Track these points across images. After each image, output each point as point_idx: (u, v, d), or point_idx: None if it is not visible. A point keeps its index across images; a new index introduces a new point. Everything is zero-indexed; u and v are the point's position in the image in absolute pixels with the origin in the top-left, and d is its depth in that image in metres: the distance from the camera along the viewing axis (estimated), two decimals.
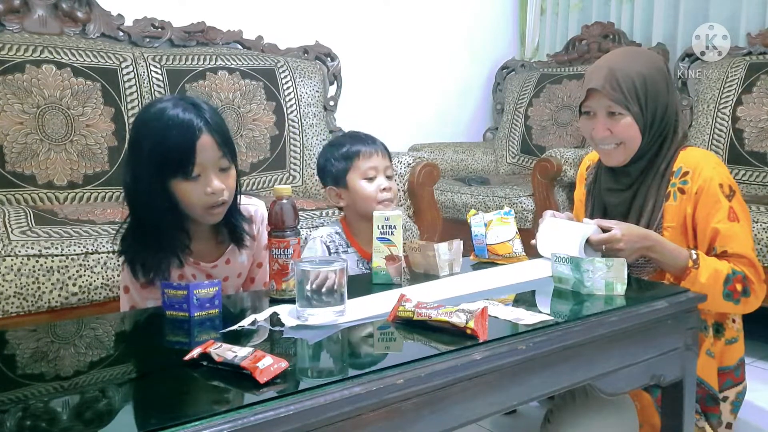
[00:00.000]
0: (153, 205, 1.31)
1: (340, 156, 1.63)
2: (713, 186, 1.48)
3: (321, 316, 1.14)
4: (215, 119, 1.32)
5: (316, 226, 1.99)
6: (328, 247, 1.62)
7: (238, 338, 1.08)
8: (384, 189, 1.61)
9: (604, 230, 1.45)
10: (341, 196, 1.65)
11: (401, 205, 2.41)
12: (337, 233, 1.66)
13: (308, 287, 1.14)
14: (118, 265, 1.74)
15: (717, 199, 1.48)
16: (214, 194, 1.31)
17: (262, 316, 1.15)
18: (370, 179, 1.61)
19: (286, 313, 1.16)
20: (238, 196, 1.41)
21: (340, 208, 1.71)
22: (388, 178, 1.64)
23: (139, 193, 1.32)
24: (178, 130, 1.27)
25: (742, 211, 1.50)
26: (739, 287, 1.45)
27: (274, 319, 1.14)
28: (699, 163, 1.51)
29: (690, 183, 1.51)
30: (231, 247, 1.46)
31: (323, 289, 1.14)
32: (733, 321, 1.56)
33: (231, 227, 1.43)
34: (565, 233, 1.48)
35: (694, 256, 1.45)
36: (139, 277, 1.34)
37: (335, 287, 1.15)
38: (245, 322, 1.13)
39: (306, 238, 1.81)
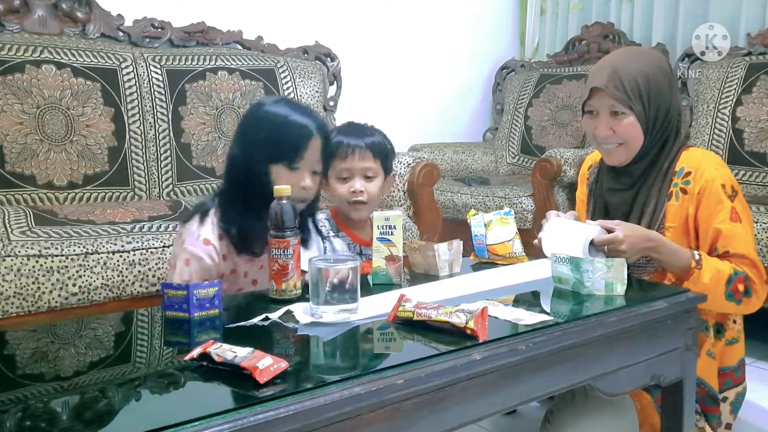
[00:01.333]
0: (252, 181, 1.44)
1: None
2: (716, 186, 1.48)
3: (334, 313, 1.16)
4: (326, 129, 1.52)
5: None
6: (320, 231, 1.63)
7: (246, 335, 1.08)
8: (354, 191, 1.61)
9: (607, 231, 1.45)
10: (326, 188, 1.67)
11: (401, 206, 2.41)
12: (327, 219, 1.69)
13: (322, 285, 1.15)
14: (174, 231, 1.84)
15: (719, 199, 1.48)
16: (305, 190, 1.46)
17: (275, 314, 1.17)
18: (344, 180, 1.62)
19: (301, 311, 1.18)
20: (317, 203, 1.58)
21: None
22: (368, 179, 1.63)
23: (244, 169, 1.47)
24: (299, 126, 1.46)
25: (744, 212, 1.50)
26: (741, 288, 1.45)
27: (288, 316, 1.16)
28: (701, 164, 1.51)
29: (692, 183, 1.51)
30: None
31: (337, 287, 1.16)
32: (734, 322, 1.56)
33: (302, 227, 1.51)
34: (568, 234, 1.47)
35: (697, 257, 1.45)
36: (238, 249, 1.46)
37: (348, 285, 1.16)
38: (257, 319, 1.15)
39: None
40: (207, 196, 1.58)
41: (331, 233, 1.67)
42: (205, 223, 1.47)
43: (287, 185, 1.35)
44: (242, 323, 1.14)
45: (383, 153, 1.66)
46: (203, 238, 1.45)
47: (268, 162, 1.45)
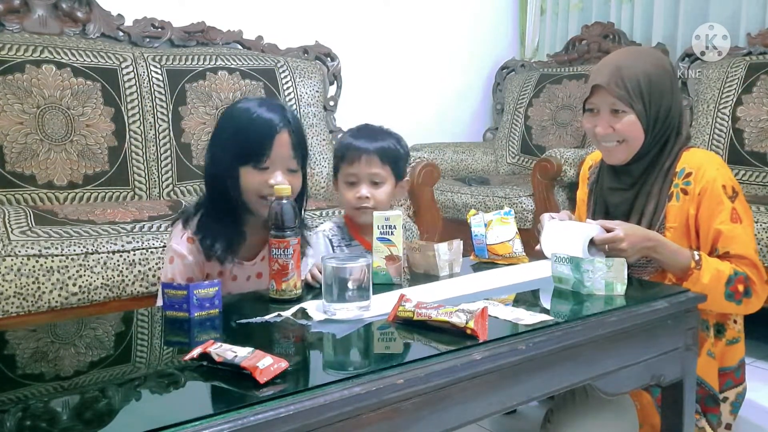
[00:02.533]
0: (223, 187, 1.40)
1: (336, 153, 1.64)
2: (716, 187, 1.48)
3: (347, 311, 1.17)
4: (296, 123, 1.44)
5: (316, 226, 1.99)
6: (330, 240, 1.62)
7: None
8: (360, 198, 1.58)
9: (607, 230, 1.45)
10: (337, 191, 1.67)
11: (401, 206, 2.41)
12: (338, 227, 1.66)
13: (335, 283, 1.17)
14: (168, 230, 1.81)
15: (720, 200, 1.48)
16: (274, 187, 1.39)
17: (288, 312, 1.18)
18: (351, 185, 1.60)
19: (314, 308, 1.19)
20: (304, 202, 1.52)
21: None
22: (375, 184, 1.59)
23: (213, 175, 1.44)
24: (261, 122, 1.39)
25: (745, 213, 1.50)
26: (740, 288, 1.45)
27: (301, 314, 1.17)
28: (702, 164, 1.51)
29: (693, 184, 1.51)
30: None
31: (349, 285, 1.17)
32: (735, 321, 1.56)
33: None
34: (568, 234, 1.48)
35: (697, 257, 1.45)
36: (209, 255, 1.43)
37: (361, 283, 1.17)
38: (271, 316, 1.16)
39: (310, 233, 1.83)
40: (195, 199, 1.54)
41: (343, 243, 1.64)
42: (190, 223, 1.46)
43: (279, 182, 1.36)
44: (256, 319, 1.16)
45: (393, 158, 1.61)
46: (187, 236, 1.44)
47: (237, 164, 1.40)
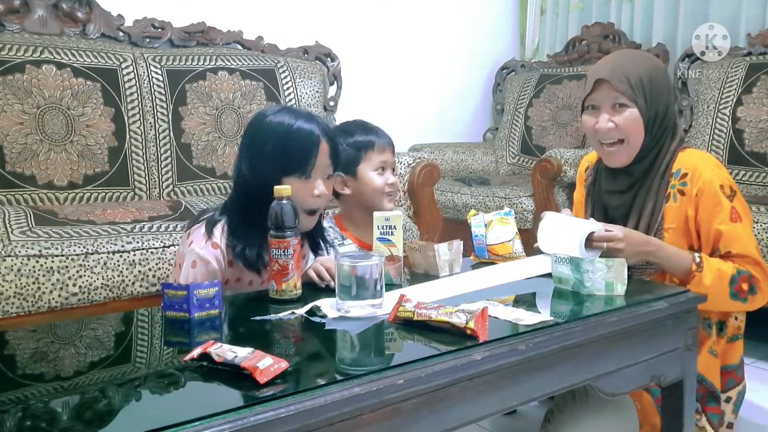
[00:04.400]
0: (263, 197, 1.36)
1: (354, 144, 1.66)
2: (714, 188, 1.48)
3: (361, 308, 1.18)
4: (331, 131, 1.48)
5: None
6: (325, 239, 1.62)
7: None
8: (393, 184, 1.68)
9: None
10: (347, 184, 1.67)
11: (401, 206, 2.41)
12: (330, 227, 1.69)
13: (348, 281, 1.18)
14: (181, 233, 1.83)
15: (718, 200, 1.48)
16: (320, 197, 1.44)
17: (302, 309, 1.19)
18: (381, 172, 1.66)
19: (328, 306, 1.21)
20: (322, 219, 1.56)
21: (336, 196, 1.71)
22: (393, 172, 1.69)
23: (254, 185, 1.42)
24: (304, 134, 1.42)
25: (744, 211, 1.50)
26: (745, 286, 1.45)
27: (315, 311, 1.19)
28: (698, 165, 1.51)
29: (689, 185, 1.51)
30: None
31: (363, 283, 1.18)
32: (735, 318, 1.56)
33: (313, 236, 1.53)
34: (565, 230, 1.47)
35: (698, 259, 1.45)
36: (244, 265, 1.42)
37: (375, 281, 1.19)
38: (284, 314, 1.18)
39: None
40: (214, 206, 1.54)
41: (336, 241, 1.66)
42: (216, 228, 1.45)
43: (322, 192, 1.42)
44: (271, 316, 1.18)
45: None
46: (213, 241, 1.42)
47: (280, 175, 1.41)
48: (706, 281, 1.43)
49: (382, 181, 1.66)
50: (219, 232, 1.44)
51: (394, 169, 1.71)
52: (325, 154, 1.44)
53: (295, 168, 1.41)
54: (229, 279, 1.46)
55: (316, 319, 1.17)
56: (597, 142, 1.58)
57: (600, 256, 1.41)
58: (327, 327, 1.15)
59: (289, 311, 1.20)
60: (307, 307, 1.20)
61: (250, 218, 1.43)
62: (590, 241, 1.43)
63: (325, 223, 1.67)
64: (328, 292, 1.32)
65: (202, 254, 1.41)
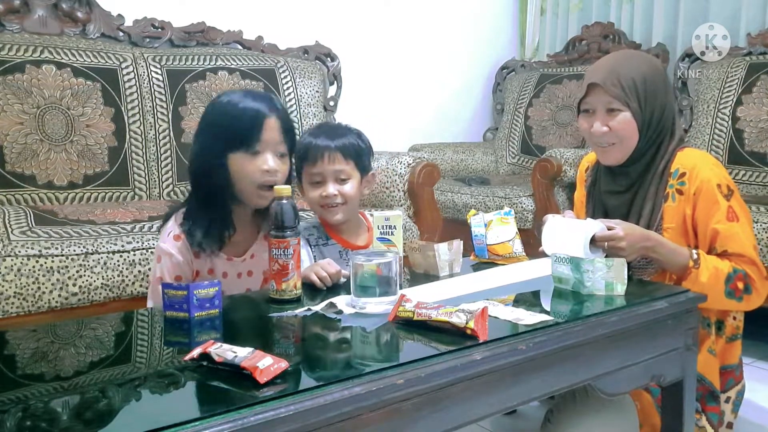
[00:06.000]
0: (212, 177, 1.41)
1: (297, 154, 1.58)
2: (711, 187, 1.49)
3: (376, 305, 1.19)
4: (283, 110, 1.48)
5: None
6: (308, 240, 1.59)
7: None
8: (327, 196, 1.54)
9: (608, 229, 1.46)
10: (302, 194, 1.63)
11: (401, 206, 2.41)
12: (314, 227, 1.63)
13: (363, 278, 1.20)
14: (157, 231, 1.85)
15: (715, 199, 1.48)
16: (269, 173, 1.41)
17: (318, 306, 1.21)
18: (317, 184, 1.56)
19: (343, 303, 1.22)
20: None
21: None
22: (342, 181, 1.56)
23: (201, 165, 1.45)
24: (250, 109, 1.42)
25: (742, 210, 1.51)
26: (740, 285, 1.46)
27: (330, 308, 1.20)
28: (696, 165, 1.52)
29: (687, 184, 1.51)
30: (257, 243, 1.53)
31: (378, 280, 1.19)
32: (734, 318, 1.57)
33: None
34: (569, 232, 1.48)
35: (695, 256, 1.46)
36: (194, 245, 1.43)
37: (389, 278, 1.20)
38: (300, 311, 1.20)
39: None
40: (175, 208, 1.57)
41: (320, 242, 1.62)
42: (170, 220, 1.47)
43: (272, 167, 1.39)
44: (287, 313, 1.20)
45: (355, 153, 1.58)
46: (173, 234, 1.44)
47: (226, 152, 1.41)
48: (702, 278, 1.44)
49: (315, 193, 1.56)
50: (172, 222, 1.46)
51: (344, 178, 1.56)
52: (275, 130, 1.43)
53: (240, 143, 1.41)
54: (200, 270, 1.46)
55: (334, 316, 1.18)
56: (593, 142, 1.59)
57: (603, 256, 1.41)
58: (343, 324, 1.16)
59: (306, 308, 1.21)
60: (323, 304, 1.22)
61: (202, 198, 1.45)
62: (593, 242, 1.44)
63: (308, 223, 1.64)
64: (327, 292, 1.32)
65: (164, 248, 1.44)
